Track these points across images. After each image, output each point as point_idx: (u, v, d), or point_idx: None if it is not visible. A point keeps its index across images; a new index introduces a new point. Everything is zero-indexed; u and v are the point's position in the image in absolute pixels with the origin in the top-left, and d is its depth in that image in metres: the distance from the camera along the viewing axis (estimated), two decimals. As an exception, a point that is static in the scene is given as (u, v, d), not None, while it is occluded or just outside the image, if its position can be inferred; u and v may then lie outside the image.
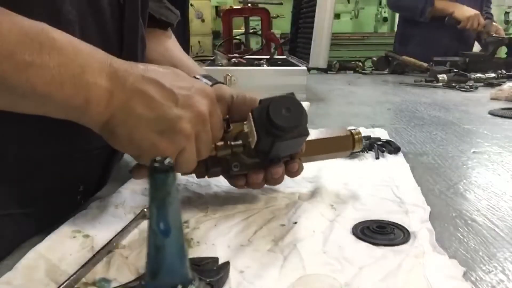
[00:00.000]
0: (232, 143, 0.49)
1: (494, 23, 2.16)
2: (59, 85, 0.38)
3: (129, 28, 0.54)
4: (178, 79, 0.45)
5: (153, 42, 0.62)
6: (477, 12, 2.10)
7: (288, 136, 0.45)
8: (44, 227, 0.45)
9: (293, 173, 0.52)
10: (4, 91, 0.37)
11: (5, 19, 0.36)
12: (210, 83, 0.54)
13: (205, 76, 0.56)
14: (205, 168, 0.50)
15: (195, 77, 0.52)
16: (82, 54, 0.40)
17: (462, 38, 2.15)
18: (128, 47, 0.54)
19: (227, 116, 0.50)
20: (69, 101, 0.39)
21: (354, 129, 0.56)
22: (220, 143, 0.49)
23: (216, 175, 0.52)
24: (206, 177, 0.51)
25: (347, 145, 0.56)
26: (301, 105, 0.44)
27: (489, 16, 2.29)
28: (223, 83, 0.57)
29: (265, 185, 0.52)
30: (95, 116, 0.41)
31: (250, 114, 0.46)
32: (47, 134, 0.48)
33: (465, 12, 2.10)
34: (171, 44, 0.70)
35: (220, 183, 0.58)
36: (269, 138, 0.45)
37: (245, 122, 0.49)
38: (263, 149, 0.47)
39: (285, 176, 0.52)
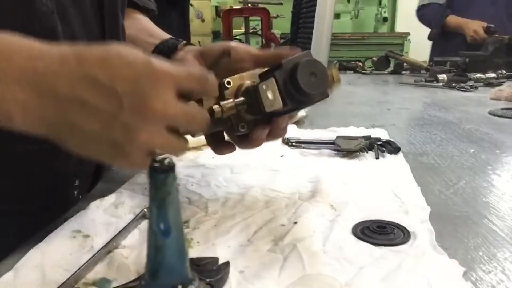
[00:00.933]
0: (236, 102, 0.45)
1: None
2: None
3: (110, 17, 0.55)
4: (121, 66, 0.34)
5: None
6: (475, 25, 2.18)
7: (313, 100, 0.43)
8: (44, 224, 0.45)
9: (290, 119, 0.51)
10: None
11: None
12: (180, 42, 0.55)
13: (171, 38, 0.57)
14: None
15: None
16: None
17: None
18: (111, 36, 0.55)
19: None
20: None
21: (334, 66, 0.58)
22: (225, 102, 0.44)
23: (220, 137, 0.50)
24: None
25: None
26: (324, 66, 0.43)
27: None
28: (192, 44, 0.58)
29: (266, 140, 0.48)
30: (28, 127, 0.34)
31: (273, 79, 0.43)
32: None
33: (469, 31, 2.21)
34: (139, 15, 0.70)
35: (220, 183, 0.58)
36: (294, 105, 0.43)
37: (242, 76, 0.47)
38: (278, 111, 0.44)
39: (284, 177, 0.51)
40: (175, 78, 0.36)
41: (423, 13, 2.43)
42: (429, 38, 2.48)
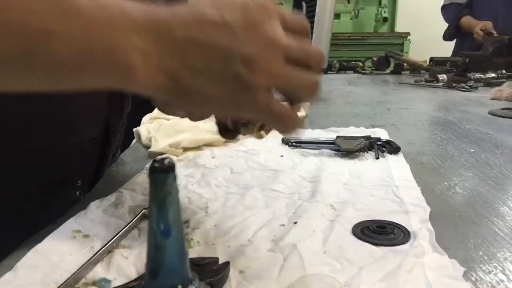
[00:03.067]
0: None
1: None
2: (89, 53, 0.32)
3: None
4: (227, 2, 0.35)
5: None
6: (480, 25, 2.20)
7: None
8: (44, 224, 0.45)
9: None
10: (33, 68, 0.31)
11: None
12: None
13: None
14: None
15: None
16: (110, 11, 0.32)
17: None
18: None
19: None
20: (106, 69, 0.33)
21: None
22: None
23: None
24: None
25: None
26: None
27: None
28: None
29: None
30: (148, 80, 0.33)
31: None
32: (35, 129, 0.48)
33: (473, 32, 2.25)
34: None
35: (220, 183, 0.58)
36: None
37: None
38: None
39: (285, 177, 0.51)
40: (281, 13, 0.35)
41: (444, 13, 2.52)
42: (444, 38, 2.53)
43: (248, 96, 0.35)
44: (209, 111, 0.39)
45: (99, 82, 0.34)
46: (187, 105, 0.37)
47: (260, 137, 0.43)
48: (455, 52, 2.42)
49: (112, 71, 0.33)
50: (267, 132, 0.43)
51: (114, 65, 0.32)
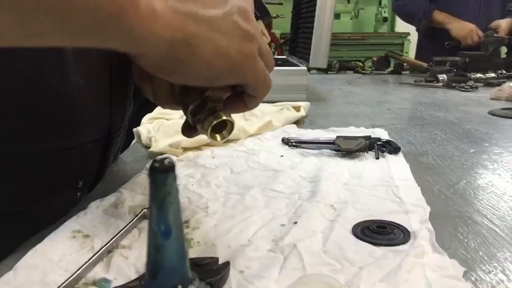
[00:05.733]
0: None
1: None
2: None
3: None
4: None
5: None
6: (471, 27, 2.14)
7: None
8: (46, 225, 0.45)
9: None
10: (15, 7, 0.26)
11: None
12: None
13: None
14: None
15: None
16: None
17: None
18: None
19: None
20: (99, 8, 0.28)
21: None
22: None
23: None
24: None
25: None
26: None
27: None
28: None
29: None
30: (159, 24, 0.31)
31: None
32: (38, 130, 0.48)
33: (460, 31, 2.16)
34: None
35: (220, 183, 0.58)
36: None
37: None
38: None
39: (285, 177, 0.51)
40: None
41: (404, 4, 2.33)
42: (418, 30, 2.42)
43: (250, 41, 0.37)
44: (215, 69, 0.37)
45: (88, 28, 0.28)
46: (193, 61, 0.36)
47: (215, 139, 0.44)
48: (422, 50, 2.34)
49: (107, 9, 0.28)
50: (222, 138, 0.45)
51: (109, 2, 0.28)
